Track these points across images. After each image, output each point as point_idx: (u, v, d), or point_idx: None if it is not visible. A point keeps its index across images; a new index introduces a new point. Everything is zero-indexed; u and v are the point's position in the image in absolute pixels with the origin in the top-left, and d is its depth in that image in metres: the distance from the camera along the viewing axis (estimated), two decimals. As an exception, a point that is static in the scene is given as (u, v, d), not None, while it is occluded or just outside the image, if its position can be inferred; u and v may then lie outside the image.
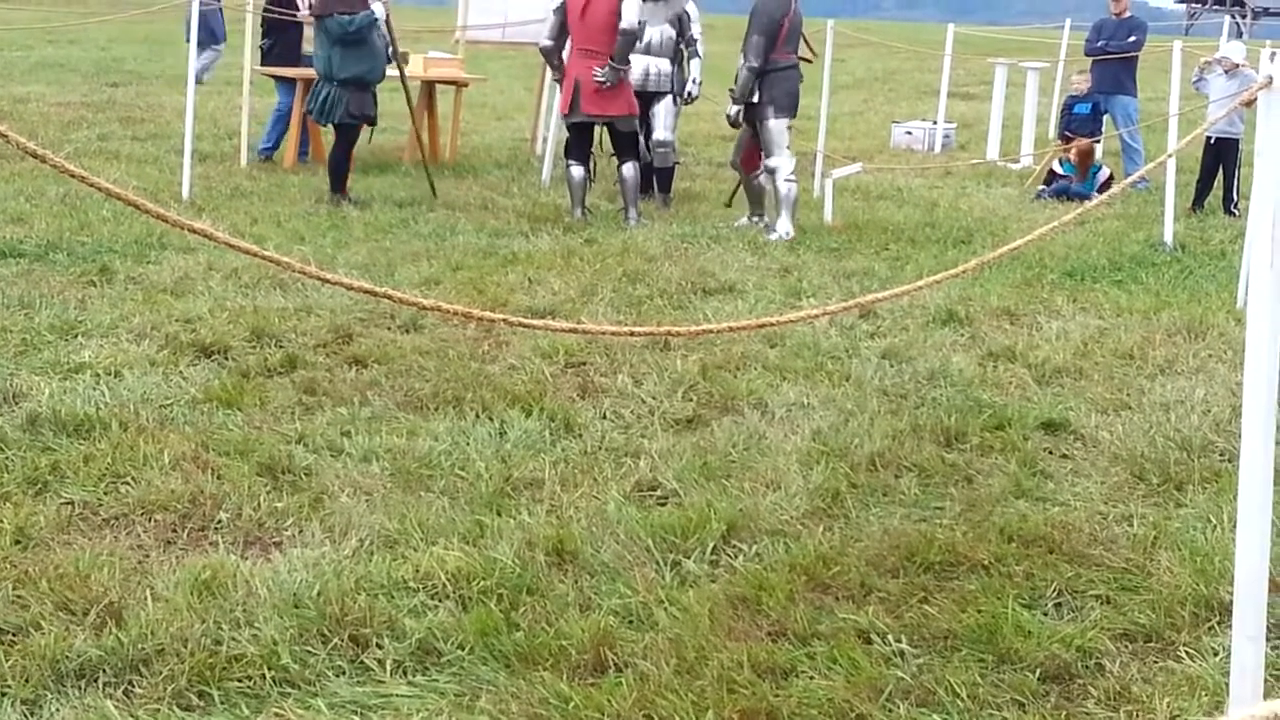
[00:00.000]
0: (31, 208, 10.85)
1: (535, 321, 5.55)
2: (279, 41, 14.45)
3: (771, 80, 11.28)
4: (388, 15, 12.02)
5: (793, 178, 11.36)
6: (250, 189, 12.60)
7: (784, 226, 11.23)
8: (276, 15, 14.27)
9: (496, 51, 23.10)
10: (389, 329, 7.89)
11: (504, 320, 3.92)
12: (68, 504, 5.22)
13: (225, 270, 8.93)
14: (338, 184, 12.09)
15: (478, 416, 6.45)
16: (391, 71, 12.69)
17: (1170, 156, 10.17)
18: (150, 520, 5.14)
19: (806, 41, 12.53)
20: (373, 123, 12.30)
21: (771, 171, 11.39)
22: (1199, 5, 60.47)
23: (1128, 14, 16.93)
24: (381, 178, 12.74)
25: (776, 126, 11.41)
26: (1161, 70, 14.80)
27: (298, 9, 14.31)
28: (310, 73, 14.15)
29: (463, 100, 16.04)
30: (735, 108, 11.56)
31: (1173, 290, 9.81)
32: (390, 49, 12.34)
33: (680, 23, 12.45)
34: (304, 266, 3.56)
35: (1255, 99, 3.97)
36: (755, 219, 11.80)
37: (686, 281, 9.46)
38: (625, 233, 11.22)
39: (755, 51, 11.15)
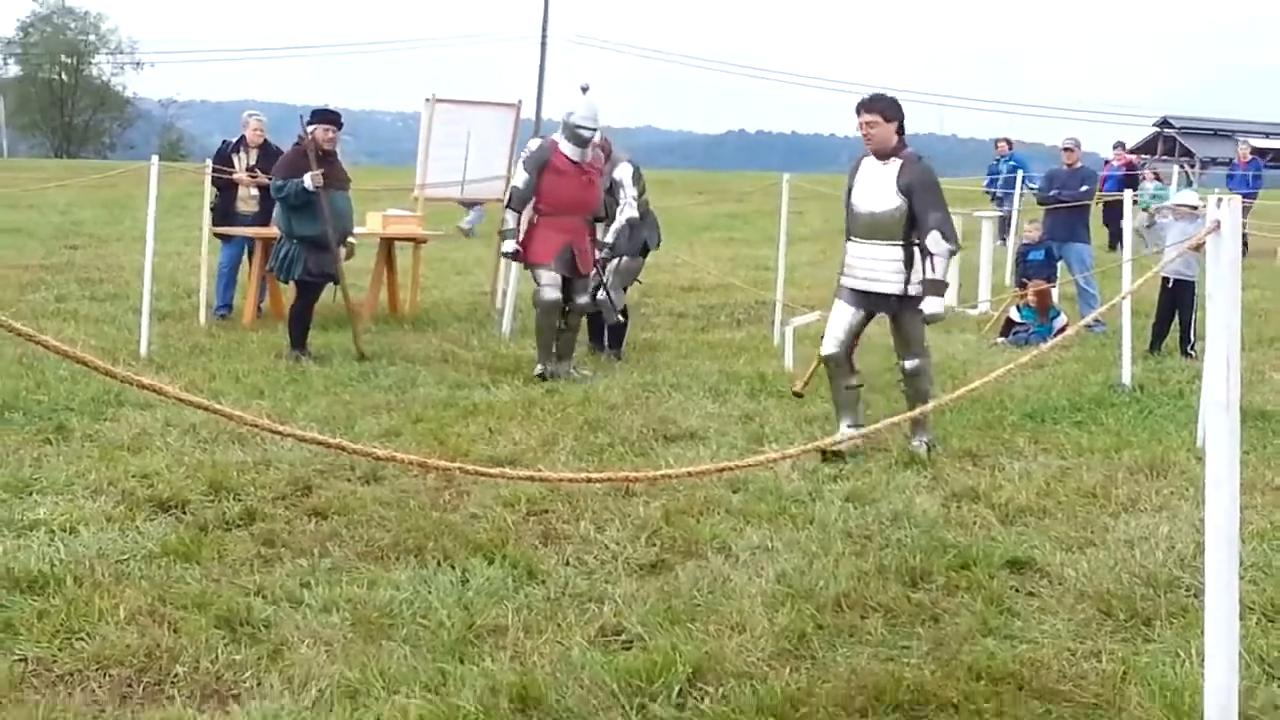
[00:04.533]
0: (-12, 368, 10.79)
1: (492, 470, 5.51)
2: (220, 200, 14.67)
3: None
4: (339, 180, 12.08)
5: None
6: (209, 346, 12.59)
7: (928, 435, 9.13)
8: (216, 175, 14.46)
9: (455, 209, 23.31)
10: (349, 480, 7.84)
11: (460, 469, 3.91)
12: (21, 660, 5.12)
13: (183, 426, 8.88)
14: (298, 340, 12.11)
15: (439, 565, 6.38)
16: (358, 229, 12.79)
17: (1125, 297, 10.26)
18: (105, 675, 5.04)
19: None
20: (336, 280, 12.35)
21: (914, 375, 9.22)
22: (1148, 156, 61.67)
23: (1079, 164, 17.28)
24: (341, 333, 12.73)
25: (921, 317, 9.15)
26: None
27: (234, 169, 14.50)
28: (249, 231, 14.37)
29: (421, 255, 16.13)
30: (942, 305, 9.19)
31: (1133, 430, 9.85)
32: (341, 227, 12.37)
33: (613, 189, 12.54)
34: (255, 420, 3.55)
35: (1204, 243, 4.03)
36: (851, 426, 9.29)
37: (648, 429, 9.46)
38: (587, 383, 11.23)
39: (951, 230, 9.05)
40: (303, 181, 11.80)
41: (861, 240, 9.22)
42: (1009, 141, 27.08)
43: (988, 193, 24.76)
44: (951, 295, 17.68)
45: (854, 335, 9.37)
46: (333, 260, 12.12)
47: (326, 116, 12.37)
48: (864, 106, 9.02)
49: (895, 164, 9.02)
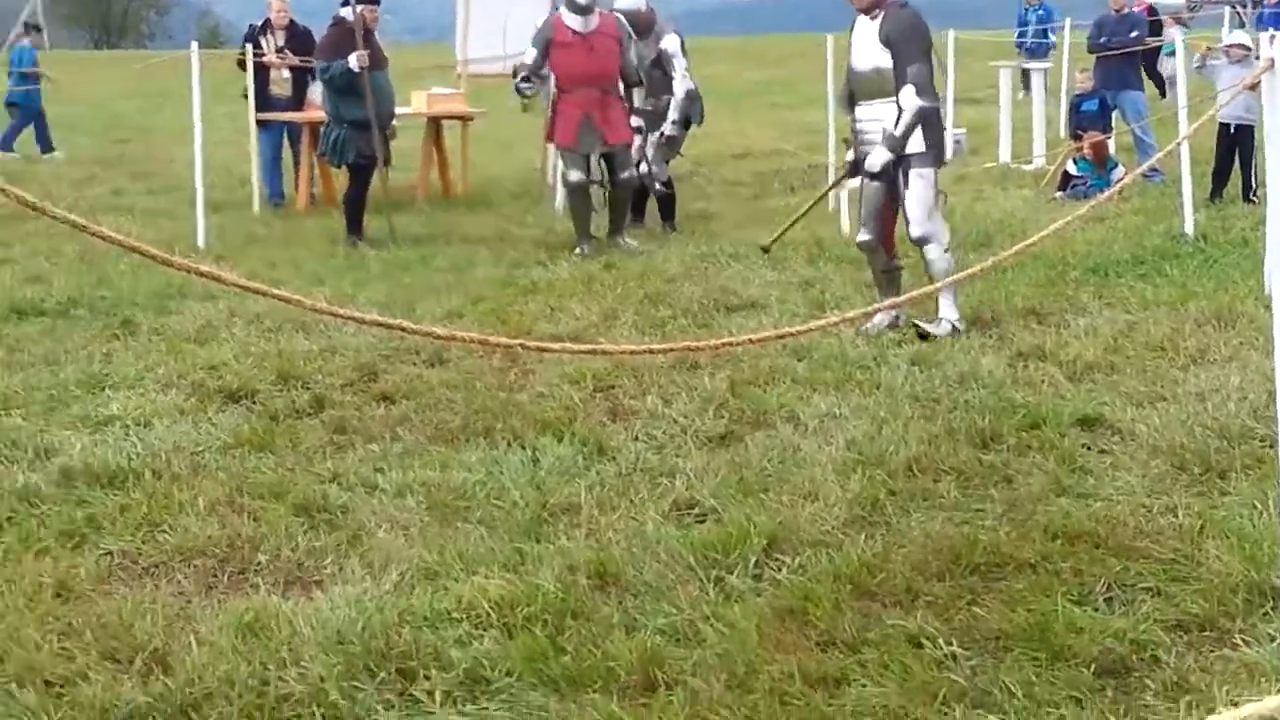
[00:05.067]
0: (50, 266, 10.89)
1: (554, 346, 5.53)
2: (253, 85, 14.54)
3: (930, 121, 8.69)
4: (377, 61, 11.97)
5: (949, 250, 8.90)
6: (266, 234, 12.65)
7: (950, 312, 8.55)
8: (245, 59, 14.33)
9: (498, 84, 23.13)
10: (414, 364, 7.87)
11: (522, 345, 3.94)
12: (106, 554, 5.21)
13: (248, 316, 8.92)
14: (354, 225, 12.12)
15: (509, 445, 6.42)
16: (403, 109, 12.73)
17: (1182, 141, 10.11)
18: (190, 566, 5.12)
19: None
20: (386, 162, 12.31)
21: (923, 242, 8.72)
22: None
23: (1127, 9, 16.90)
24: (397, 216, 12.71)
25: (929, 182, 8.74)
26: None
27: (262, 52, 14.36)
28: (285, 116, 14.27)
29: (470, 134, 16.05)
30: (885, 158, 8.66)
31: (1198, 280, 9.74)
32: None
33: (660, 61, 12.39)
34: (316, 304, 3.53)
35: (1259, 83, 3.94)
36: (897, 318, 8.77)
37: (709, 300, 9.44)
38: (644, 255, 11.20)
39: (926, 84, 8.55)
40: (348, 62, 11.72)
41: (863, 102, 8.87)
42: None
43: (1018, 44, 24.26)
44: (1005, 150, 17.53)
45: (880, 212, 8.92)
46: (381, 142, 12.07)
47: None
48: None
49: (879, 16, 8.64)
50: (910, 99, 8.50)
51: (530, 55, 11.78)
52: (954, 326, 8.40)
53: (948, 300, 8.50)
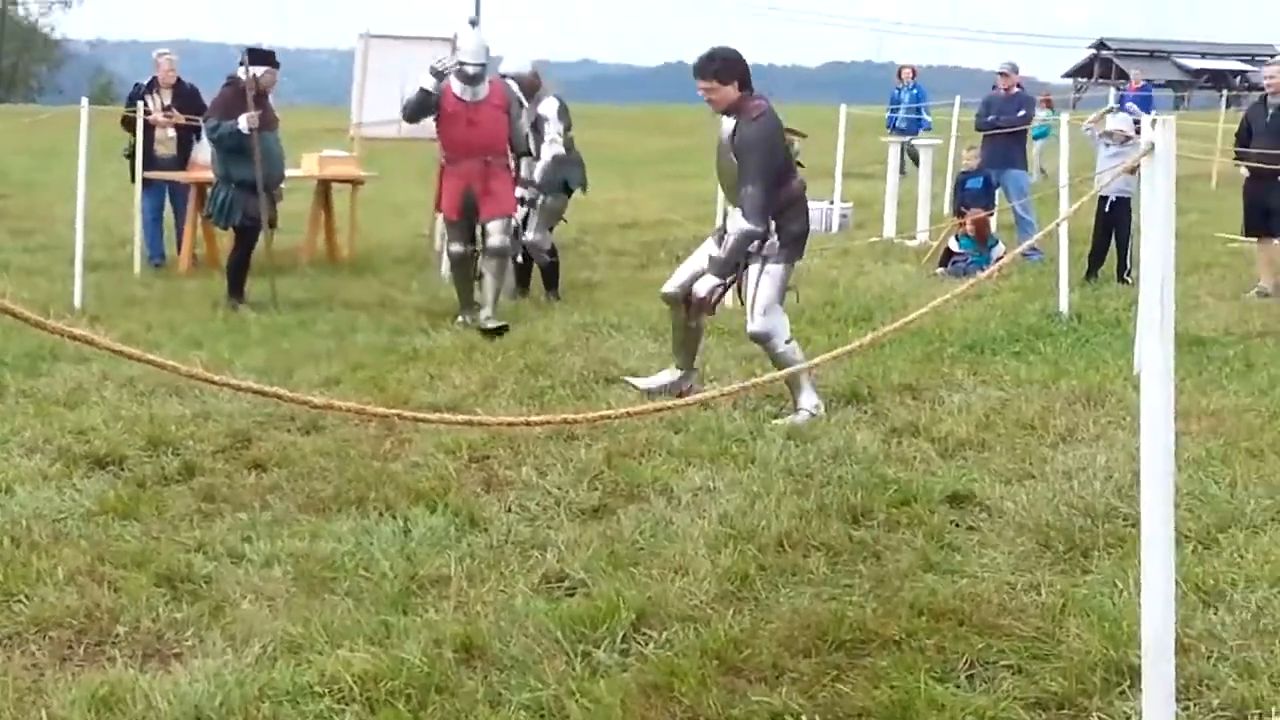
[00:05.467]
0: (-82, 325, 10.65)
1: (431, 416, 5.47)
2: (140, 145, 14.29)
3: (791, 216, 8.47)
4: (270, 123, 11.90)
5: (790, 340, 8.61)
6: (145, 296, 12.49)
7: (808, 400, 8.38)
8: (131, 118, 14.14)
9: (392, 148, 23.09)
10: (289, 431, 7.79)
11: (398, 415, 3.88)
12: (-41, 625, 5.07)
13: (120, 379, 8.79)
14: (236, 288, 12.01)
15: (381, 515, 6.36)
16: (293, 171, 12.62)
17: (1062, 221, 10.28)
18: (45, 638, 5.00)
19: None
20: (271, 225, 12.22)
21: (762, 340, 8.52)
22: (1085, 79, 61.85)
23: (1015, 90, 17.30)
24: (280, 279, 12.61)
25: (775, 279, 8.46)
26: (1050, 144, 15.03)
27: (149, 111, 14.19)
28: (169, 175, 14.13)
29: (359, 198, 15.99)
30: (712, 284, 8.51)
31: (1070, 359, 9.93)
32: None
33: (538, 125, 12.35)
34: (191, 370, 3.48)
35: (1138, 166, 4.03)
36: (682, 370, 9.05)
37: (589, 371, 9.45)
38: (527, 325, 11.20)
39: (757, 208, 8.23)
40: (237, 123, 11.65)
41: (726, 195, 8.80)
42: (914, 70, 27.09)
43: (890, 122, 24.73)
44: (890, 226, 17.78)
45: (697, 273, 8.69)
46: (268, 204, 11.99)
47: (267, 58, 12.17)
48: (697, 72, 8.35)
49: (735, 119, 8.35)
50: (737, 223, 8.33)
51: (415, 95, 11.29)
52: (811, 414, 8.26)
53: (805, 389, 8.40)
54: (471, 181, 11.34)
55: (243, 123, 11.63)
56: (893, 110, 25.24)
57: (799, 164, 9.42)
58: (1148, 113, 17.34)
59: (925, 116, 25.48)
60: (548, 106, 12.40)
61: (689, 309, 8.79)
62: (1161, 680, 4.07)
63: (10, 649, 4.93)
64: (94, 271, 13.07)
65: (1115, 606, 5.22)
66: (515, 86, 12.11)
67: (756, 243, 8.35)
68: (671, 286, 8.89)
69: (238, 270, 12.09)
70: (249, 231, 12.02)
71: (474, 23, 11.76)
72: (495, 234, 11.36)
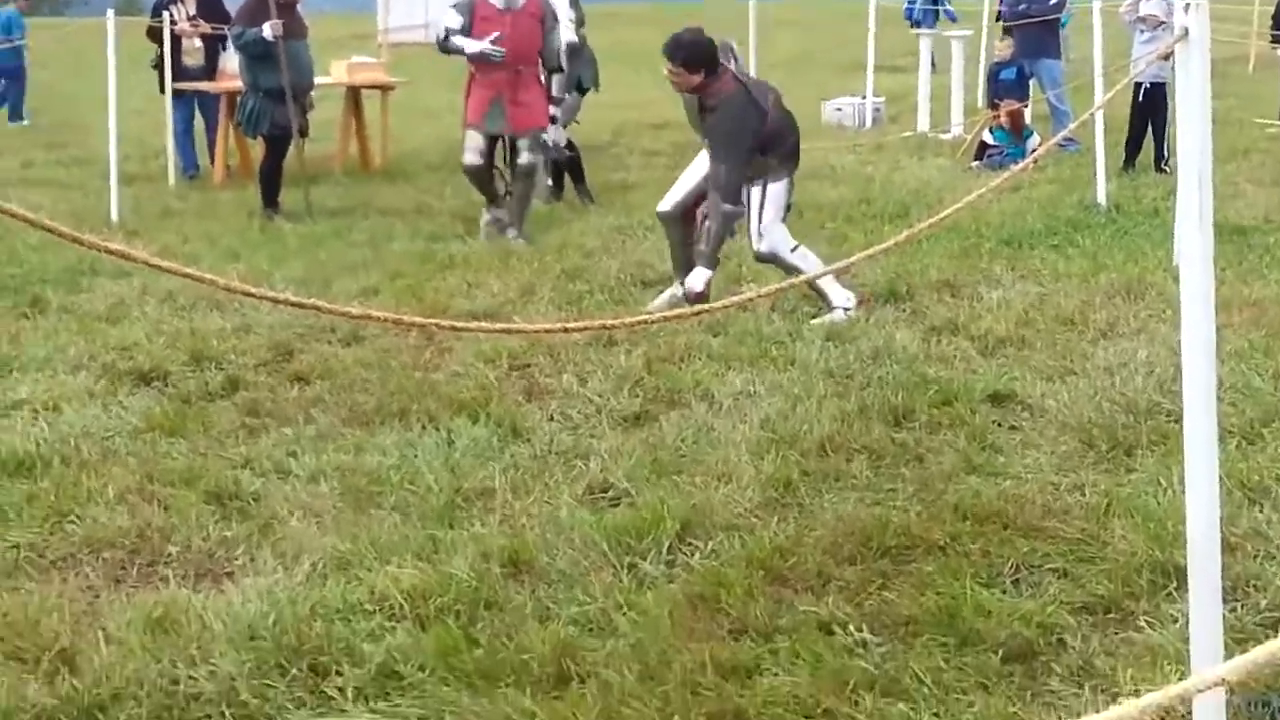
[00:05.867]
0: (-45, 242, 10.71)
1: (470, 325, 5.49)
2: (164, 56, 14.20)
3: (778, 138, 8.57)
4: (298, 30, 11.80)
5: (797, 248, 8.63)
6: (180, 208, 12.51)
7: (839, 298, 8.37)
8: (156, 29, 14.05)
9: (421, 53, 22.97)
10: (330, 343, 7.82)
11: (435, 325, 3.87)
12: (13, 547, 5.13)
13: (160, 294, 8.82)
14: (270, 197, 12.00)
15: (424, 427, 6.40)
16: (322, 79, 12.54)
17: (1097, 110, 10.19)
18: (98, 559, 5.07)
19: None
20: (302, 133, 12.18)
21: (770, 260, 8.66)
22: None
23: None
24: (314, 188, 12.60)
25: (775, 197, 8.60)
26: (1085, 30, 14.82)
27: (174, 21, 14.09)
28: (198, 85, 14.07)
29: (389, 104, 15.91)
30: (706, 277, 8.49)
31: (1109, 251, 9.85)
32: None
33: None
34: (229, 284, 3.47)
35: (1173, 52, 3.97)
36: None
37: (625, 274, 9.44)
38: (562, 228, 11.18)
39: (732, 189, 8.38)
40: (261, 30, 11.58)
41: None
42: None
43: (907, 15, 24.38)
44: (924, 119, 17.61)
45: (692, 191, 8.76)
46: (298, 113, 11.95)
47: None
48: (666, 55, 8.42)
49: (703, 97, 8.43)
50: (716, 208, 8.39)
51: (454, 19, 10.89)
52: (845, 309, 8.28)
53: (833, 287, 8.39)
54: (501, 90, 10.88)
55: (266, 30, 11.56)
56: (910, 2, 24.90)
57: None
58: None
59: (949, 7, 25.10)
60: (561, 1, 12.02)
61: (686, 226, 8.77)
62: (1207, 581, 4.06)
63: (65, 570, 4.99)
64: (129, 185, 13.07)
65: (1160, 506, 5.22)
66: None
67: (712, 269, 8.50)
68: (667, 205, 8.87)
69: (270, 180, 12.06)
70: (278, 140, 11.98)
71: None
72: (524, 151, 10.99)
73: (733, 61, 8.66)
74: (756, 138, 8.39)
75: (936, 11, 24.69)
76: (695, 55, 8.36)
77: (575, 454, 6.05)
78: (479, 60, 10.81)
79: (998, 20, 16.72)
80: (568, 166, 12.63)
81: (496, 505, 5.49)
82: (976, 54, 20.70)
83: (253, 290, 3.65)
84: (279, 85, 11.69)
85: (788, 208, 8.76)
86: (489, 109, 10.89)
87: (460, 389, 6.95)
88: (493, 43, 10.69)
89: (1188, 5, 3.93)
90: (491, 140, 10.99)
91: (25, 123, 20.33)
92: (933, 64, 19.29)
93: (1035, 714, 3.95)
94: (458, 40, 10.80)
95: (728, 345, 7.63)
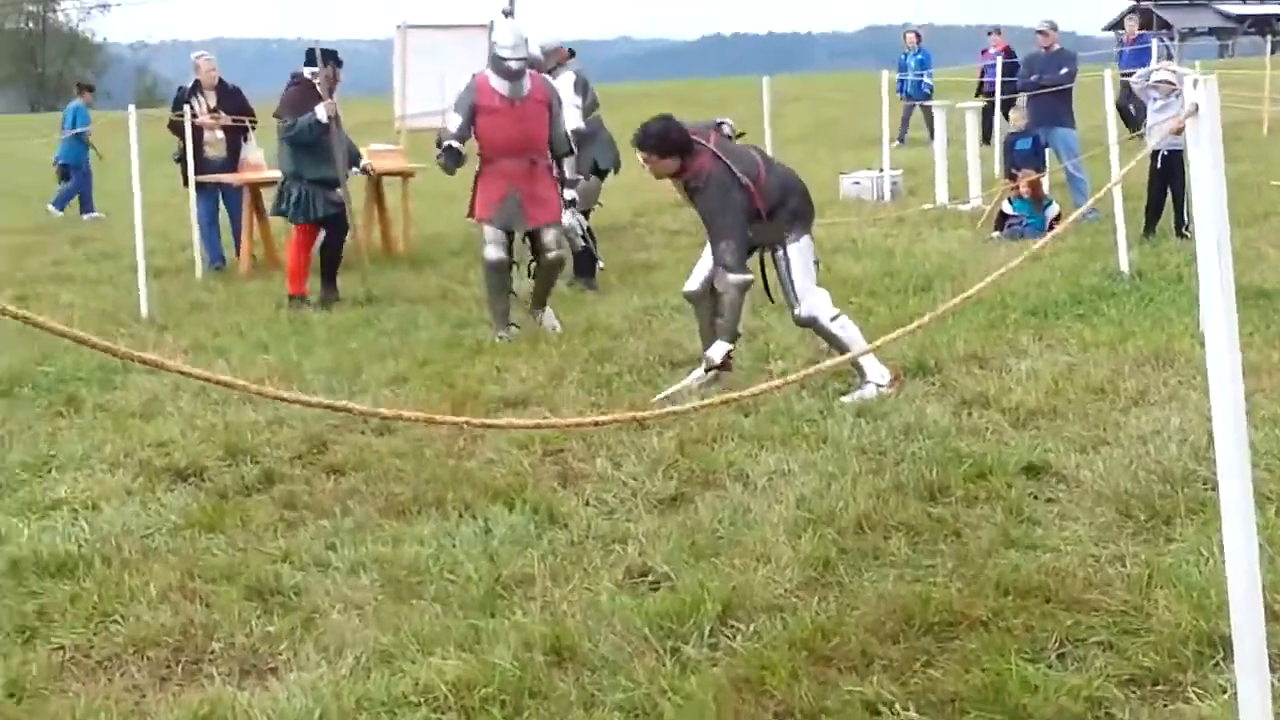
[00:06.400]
0: (-9, 342, 10.80)
1: (499, 422, 5.50)
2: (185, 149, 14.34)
3: (789, 192, 8.73)
4: (337, 115, 11.95)
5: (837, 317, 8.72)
6: (209, 301, 12.60)
7: (874, 374, 8.43)
8: (178, 123, 14.21)
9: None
10: (363, 433, 7.86)
11: (467, 423, 3.91)
12: (59, 649, 5.16)
13: (193, 388, 8.88)
14: (330, 281, 12.16)
15: (461, 516, 6.42)
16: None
17: (1116, 184, 10.24)
18: (143, 658, 5.08)
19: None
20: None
21: (810, 324, 8.74)
22: (1125, 31, 61.26)
23: (1056, 47, 17.19)
24: (340, 277, 12.68)
25: (803, 250, 8.73)
26: (1097, 99, 14.91)
27: (195, 114, 14.25)
28: (221, 177, 14.23)
29: (410, 190, 16.05)
30: (725, 350, 8.68)
31: (1135, 319, 9.87)
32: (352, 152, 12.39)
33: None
34: (260, 388, 3.53)
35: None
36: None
37: (654, 355, 9.49)
38: (588, 310, 11.23)
39: (736, 259, 8.53)
40: (315, 115, 11.74)
41: None
42: (918, 34, 27.28)
43: (899, 89, 24.72)
44: (942, 191, 17.69)
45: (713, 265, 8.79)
46: (344, 195, 12.13)
47: (332, 55, 12.29)
48: (636, 146, 8.61)
49: (683, 184, 8.64)
50: (724, 281, 8.54)
51: (454, 121, 10.54)
52: (878, 386, 8.29)
53: (869, 362, 8.42)
54: (516, 183, 10.50)
55: (320, 112, 11.74)
56: (901, 76, 25.27)
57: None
58: (1143, 65, 17.43)
59: (930, 81, 25.83)
60: (563, 81, 12.04)
61: (714, 304, 8.80)
62: (1254, 650, 4.06)
63: (111, 670, 5.01)
64: (157, 278, 13.19)
65: (1202, 575, 5.21)
66: (553, 84, 11.26)
67: (733, 341, 8.69)
68: (693, 284, 8.91)
69: (333, 262, 12.23)
70: (337, 220, 12.21)
71: (508, 13, 11.47)
72: (551, 245, 10.65)
73: (713, 137, 8.72)
74: (744, 209, 8.49)
75: (920, 83, 25.28)
76: (664, 144, 8.53)
77: (613, 538, 6.07)
78: (446, 164, 10.57)
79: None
80: (578, 255, 12.36)
81: (537, 593, 5.50)
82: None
83: (284, 394, 3.72)
84: (323, 173, 11.85)
85: (816, 263, 8.83)
86: (503, 205, 10.50)
87: (495, 476, 6.98)
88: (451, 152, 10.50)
89: (1196, 81, 3.99)
90: (511, 234, 10.71)
91: (99, 215, 20.50)
92: (930, 134, 19.50)
93: (1087, 791, 3.94)
94: (445, 160, 10.57)
95: (759, 424, 7.65)
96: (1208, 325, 3.99)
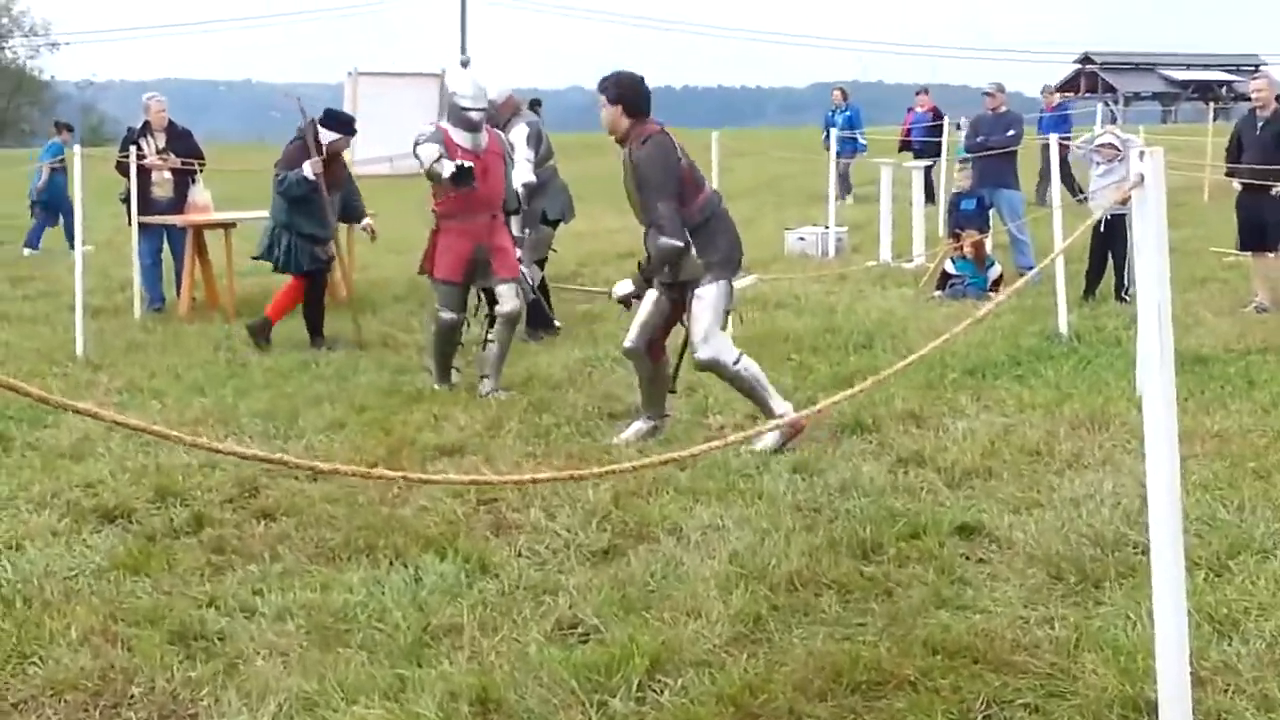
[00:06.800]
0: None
1: (435, 477, 5.45)
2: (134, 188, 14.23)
3: (713, 235, 8.53)
4: (317, 175, 11.87)
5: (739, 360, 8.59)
6: (146, 341, 12.49)
7: (780, 406, 8.53)
8: (126, 163, 14.12)
9: (384, 185, 23.10)
10: (296, 479, 7.76)
11: (404, 478, 3.89)
12: (-27, 691, 5.07)
13: (125, 430, 8.77)
14: (317, 331, 12.22)
15: (391, 564, 6.36)
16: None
17: (1057, 255, 10.32)
18: (61, 701, 4.99)
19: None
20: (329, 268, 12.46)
21: (710, 368, 8.63)
22: (1072, 95, 62.04)
23: (1004, 109, 17.34)
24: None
25: (708, 302, 8.47)
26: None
27: (143, 154, 14.18)
28: (167, 219, 14.18)
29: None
30: (628, 290, 8.97)
31: (1073, 382, 9.94)
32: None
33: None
34: (194, 439, 3.50)
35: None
36: (653, 420, 8.91)
37: (593, 406, 9.47)
38: (529, 360, 11.20)
39: (671, 224, 8.33)
40: (302, 171, 11.72)
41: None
42: (844, 92, 27.72)
43: (825, 144, 24.96)
44: (886, 249, 17.80)
45: (649, 322, 8.74)
46: (331, 249, 12.28)
47: (343, 125, 12.27)
48: (600, 90, 8.59)
49: (630, 147, 8.49)
50: (655, 242, 8.43)
51: (432, 151, 9.94)
52: (780, 418, 7.99)
53: (772, 398, 8.51)
54: (480, 239, 10.26)
55: (307, 169, 11.70)
56: (826, 135, 25.50)
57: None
58: (1061, 132, 17.77)
59: (861, 140, 26.22)
60: (516, 134, 11.97)
61: (654, 360, 8.82)
62: (1180, 716, 4.08)
63: (27, 713, 4.92)
64: (94, 318, 13.08)
65: (1129, 639, 5.22)
66: (505, 139, 11.14)
67: (680, 268, 8.48)
68: (631, 341, 8.82)
69: (317, 315, 12.26)
70: (319, 274, 12.34)
71: (465, 63, 11.43)
72: (509, 299, 10.29)
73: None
74: (684, 183, 8.41)
75: (854, 140, 25.59)
76: (627, 92, 8.51)
77: (544, 589, 6.03)
78: (461, 186, 9.97)
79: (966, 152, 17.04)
80: (532, 308, 12.34)
81: (464, 643, 5.45)
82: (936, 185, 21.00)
83: (218, 446, 3.68)
84: (315, 231, 11.91)
85: (726, 313, 8.74)
86: (470, 264, 10.27)
87: (427, 524, 6.92)
88: (465, 171, 9.99)
89: (1142, 153, 4.04)
90: (466, 291, 10.52)
91: (89, 249, 20.35)
92: (842, 195, 19.69)
93: None
94: (444, 162, 9.98)
95: (695, 478, 7.63)
96: (1146, 391, 4.02)
